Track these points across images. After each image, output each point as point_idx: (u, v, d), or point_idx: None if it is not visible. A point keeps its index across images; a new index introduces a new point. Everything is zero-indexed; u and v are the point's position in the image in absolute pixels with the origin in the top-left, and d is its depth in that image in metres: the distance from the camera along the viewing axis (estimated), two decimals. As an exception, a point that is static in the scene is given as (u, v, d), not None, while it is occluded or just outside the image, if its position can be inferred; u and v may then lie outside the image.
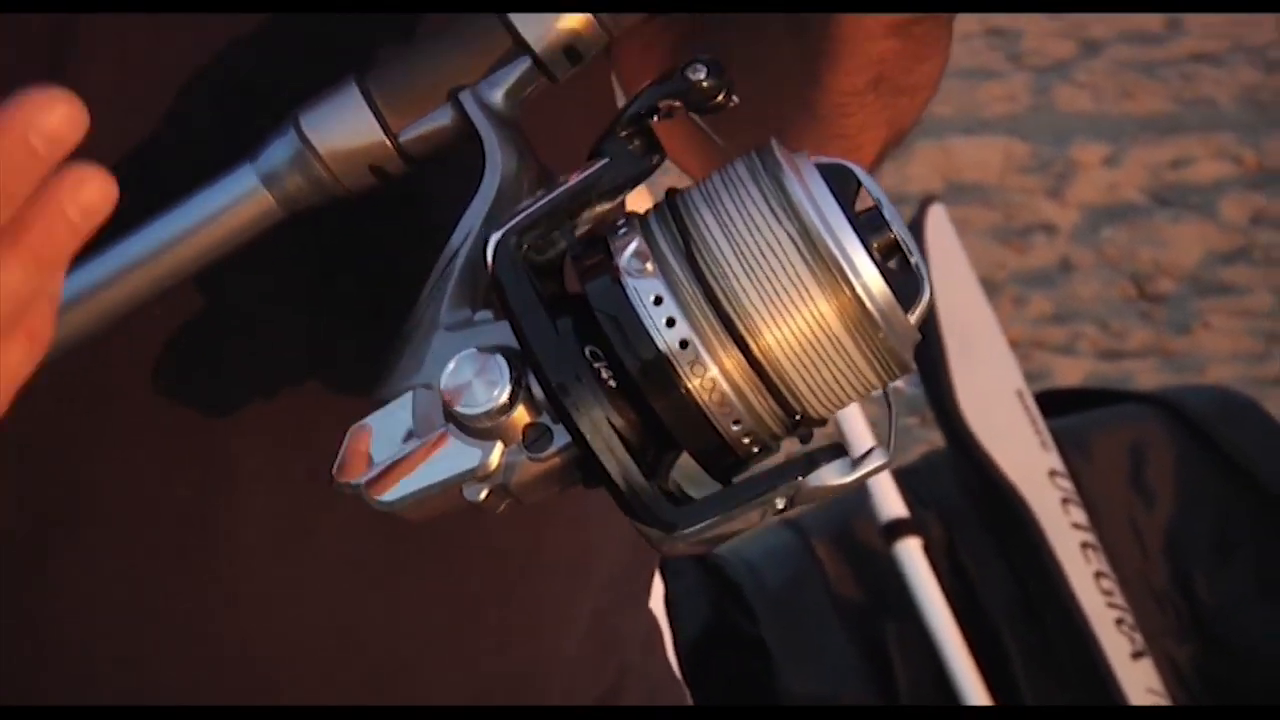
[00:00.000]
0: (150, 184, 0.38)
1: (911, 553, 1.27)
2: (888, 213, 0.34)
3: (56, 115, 0.29)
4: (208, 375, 0.44)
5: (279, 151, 0.37)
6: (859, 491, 1.22)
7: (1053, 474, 1.27)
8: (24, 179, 0.30)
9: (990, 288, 2.37)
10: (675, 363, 0.32)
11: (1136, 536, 1.29)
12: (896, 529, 1.27)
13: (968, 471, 1.30)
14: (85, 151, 0.41)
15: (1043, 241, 2.75)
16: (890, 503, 1.27)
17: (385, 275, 0.42)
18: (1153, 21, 3.51)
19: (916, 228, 1.38)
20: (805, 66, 0.46)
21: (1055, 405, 1.37)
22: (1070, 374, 2.36)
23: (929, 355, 1.30)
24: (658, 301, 0.32)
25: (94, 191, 0.30)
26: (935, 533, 1.29)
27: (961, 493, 1.31)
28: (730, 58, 0.49)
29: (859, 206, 0.34)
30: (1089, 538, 1.27)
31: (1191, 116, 3.17)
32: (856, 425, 1.23)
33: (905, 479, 1.31)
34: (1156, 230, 2.78)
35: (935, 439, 1.51)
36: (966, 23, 3.40)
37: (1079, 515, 1.27)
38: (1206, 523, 1.28)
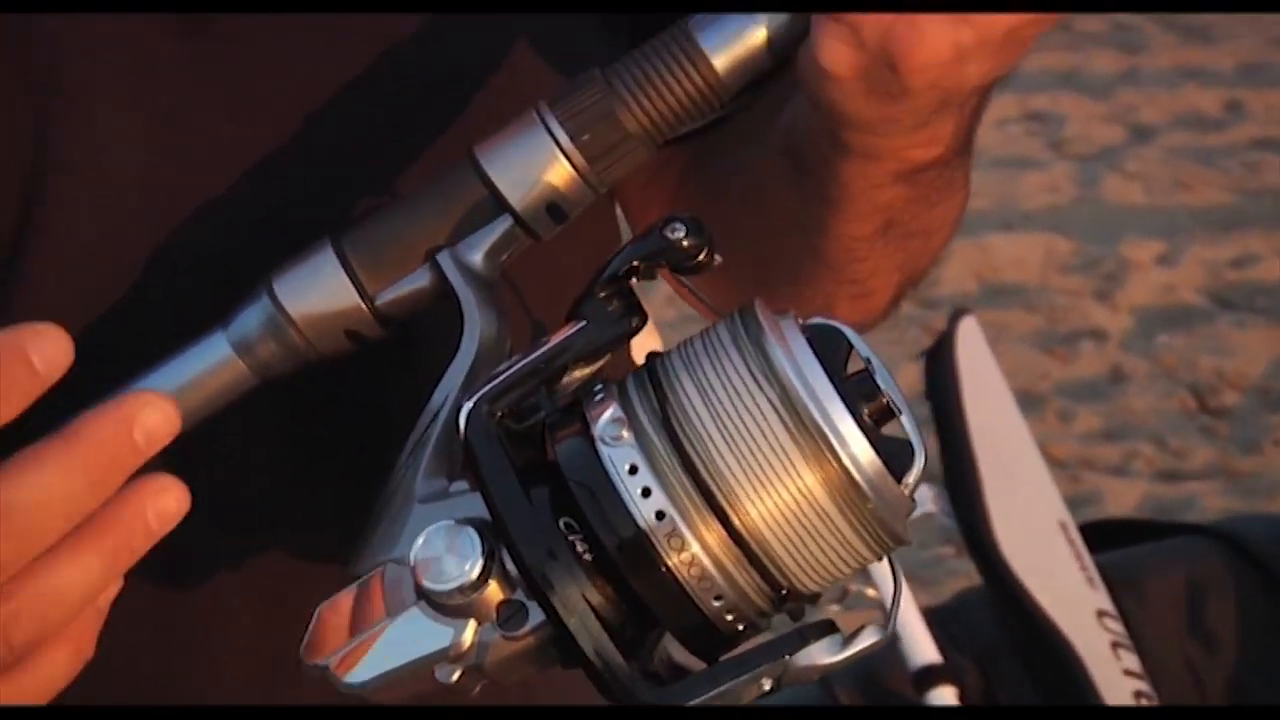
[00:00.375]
0: (122, 348, 0.42)
1: (946, 703, 1.27)
2: (879, 376, 0.37)
3: (159, 413, 0.34)
4: (182, 542, 0.47)
5: (252, 318, 0.40)
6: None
7: (1101, 615, 1.28)
8: (122, 470, 0.34)
9: (1032, 401, 2.41)
10: (652, 536, 0.34)
11: (1196, 684, 1.29)
12: (929, 677, 1.28)
13: (1006, 611, 1.31)
14: (54, 315, 0.44)
15: (1091, 349, 2.78)
16: (921, 647, 1.28)
17: (363, 439, 0.46)
18: (1211, 105, 3.58)
19: (947, 341, 1.42)
20: (810, 212, 0.49)
21: (1103, 538, 1.38)
22: (1124, 497, 2.36)
23: (961, 482, 1.33)
24: (633, 470, 0.34)
25: (173, 500, 0.34)
26: (971, 680, 1.30)
27: (1000, 635, 1.32)
28: (732, 201, 0.53)
29: (851, 368, 0.37)
30: (1143, 686, 1.27)
31: (1254, 209, 3.21)
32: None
33: (937, 620, 1.32)
34: (1218, 336, 2.80)
35: (971, 572, 1.51)
36: (1003, 107, 3.49)
37: (1131, 661, 1.27)
38: (1275, 668, 1.28)
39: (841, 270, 0.51)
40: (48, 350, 0.33)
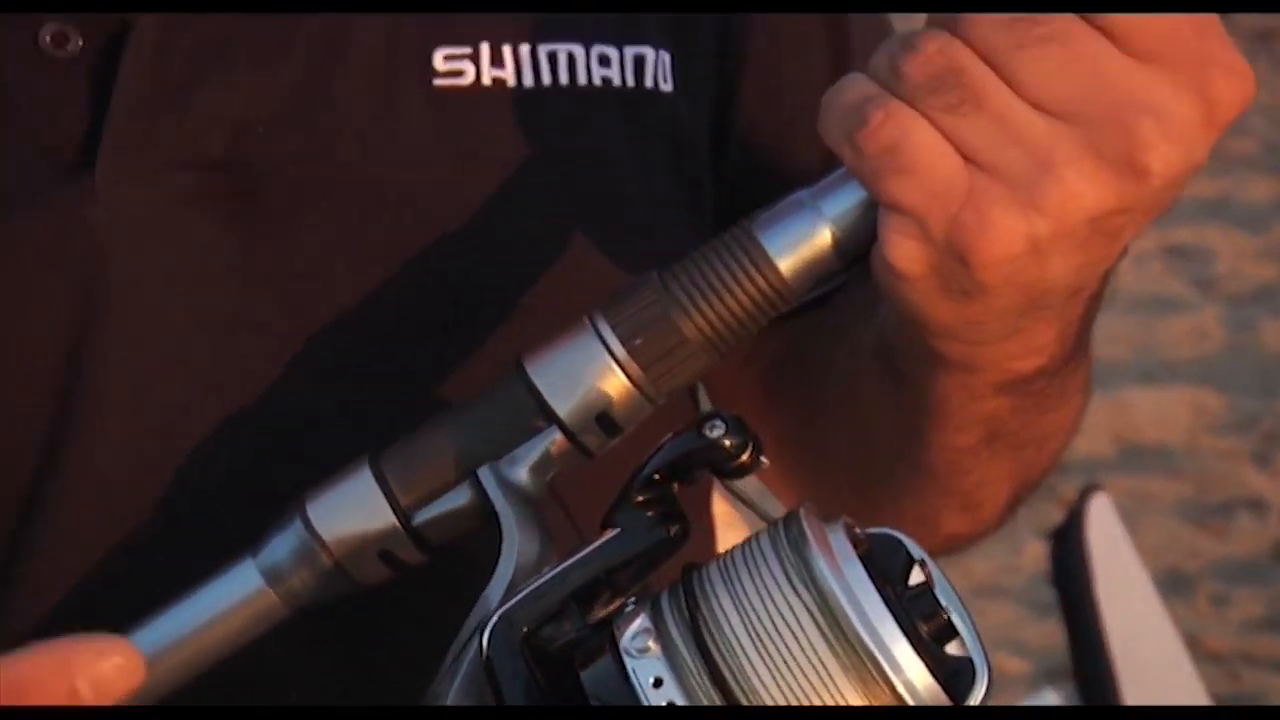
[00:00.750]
0: (150, 568, 0.46)
1: None
2: (940, 589, 0.38)
3: (109, 664, 0.36)
4: None
5: (283, 544, 0.43)
6: None
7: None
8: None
9: (1181, 584, 2.36)
10: None
11: None
12: None
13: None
14: (94, 523, 0.49)
15: (1249, 522, 2.71)
16: None
17: (398, 669, 0.48)
18: (1388, 235, 3.52)
19: (1076, 521, 1.41)
20: (907, 421, 0.51)
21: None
22: (1292, 699, 2.28)
23: (1095, 683, 1.31)
24: (658, 684, 0.36)
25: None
26: None
27: None
28: (825, 404, 0.55)
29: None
30: None
31: None
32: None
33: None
34: (1405, 508, 2.72)
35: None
36: (1141, 240, 3.40)
37: None
38: None
39: (945, 482, 0.53)
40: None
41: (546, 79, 0.53)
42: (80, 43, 0.50)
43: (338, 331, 0.51)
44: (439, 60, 0.52)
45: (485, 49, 0.52)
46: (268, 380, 0.50)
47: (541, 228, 0.53)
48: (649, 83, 0.55)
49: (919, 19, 0.41)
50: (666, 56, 0.55)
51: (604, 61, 0.54)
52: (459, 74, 0.52)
